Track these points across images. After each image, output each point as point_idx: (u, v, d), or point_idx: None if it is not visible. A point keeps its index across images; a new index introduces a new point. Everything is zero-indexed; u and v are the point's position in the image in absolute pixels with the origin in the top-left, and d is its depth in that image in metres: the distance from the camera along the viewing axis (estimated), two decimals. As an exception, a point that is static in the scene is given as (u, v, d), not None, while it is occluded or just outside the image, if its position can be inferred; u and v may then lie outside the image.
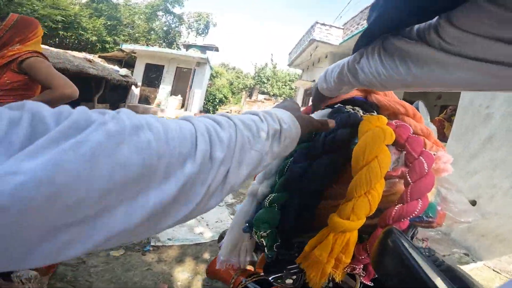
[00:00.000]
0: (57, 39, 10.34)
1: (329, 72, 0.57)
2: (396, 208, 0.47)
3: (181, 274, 1.94)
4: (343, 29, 8.63)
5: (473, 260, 2.57)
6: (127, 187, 0.20)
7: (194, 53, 11.79)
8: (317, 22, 8.92)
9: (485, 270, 2.42)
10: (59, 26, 9.75)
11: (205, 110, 13.58)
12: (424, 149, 0.51)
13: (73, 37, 10.64)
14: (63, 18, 9.59)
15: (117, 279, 1.80)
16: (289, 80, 21.23)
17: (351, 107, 0.70)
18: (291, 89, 20.24)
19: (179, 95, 11.09)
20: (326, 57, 9.43)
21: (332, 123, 0.50)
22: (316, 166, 0.58)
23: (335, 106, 0.71)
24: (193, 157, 0.24)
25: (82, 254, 0.19)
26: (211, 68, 14.21)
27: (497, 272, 2.37)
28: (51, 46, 8.54)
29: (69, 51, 8.47)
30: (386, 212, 0.48)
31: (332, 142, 0.58)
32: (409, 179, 0.48)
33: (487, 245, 2.60)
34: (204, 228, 2.78)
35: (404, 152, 0.52)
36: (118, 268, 1.90)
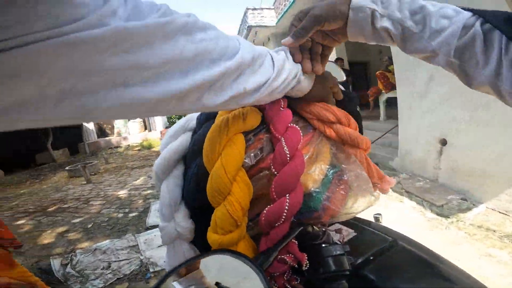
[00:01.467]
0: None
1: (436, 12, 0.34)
2: (264, 213, 0.36)
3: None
4: (274, 9, 8.60)
5: (473, 204, 2.34)
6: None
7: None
8: (248, 8, 8.80)
9: (490, 213, 2.21)
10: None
11: (171, 124, 12.74)
12: (291, 124, 0.39)
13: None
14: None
15: (130, 310, 1.74)
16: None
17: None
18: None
19: (138, 118, 10.43)
20: (269, 39, 9.36)
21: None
22: (187, 179, 0.45)
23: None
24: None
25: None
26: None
27: (504, 214, 2.14)
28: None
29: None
30: (258, 218, 0.37)
31: (196, 143, 0.45)
32: (273, 169, 0.36)
33: (478, 184, 2.38)
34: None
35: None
36: (127, 301, 1.84)
